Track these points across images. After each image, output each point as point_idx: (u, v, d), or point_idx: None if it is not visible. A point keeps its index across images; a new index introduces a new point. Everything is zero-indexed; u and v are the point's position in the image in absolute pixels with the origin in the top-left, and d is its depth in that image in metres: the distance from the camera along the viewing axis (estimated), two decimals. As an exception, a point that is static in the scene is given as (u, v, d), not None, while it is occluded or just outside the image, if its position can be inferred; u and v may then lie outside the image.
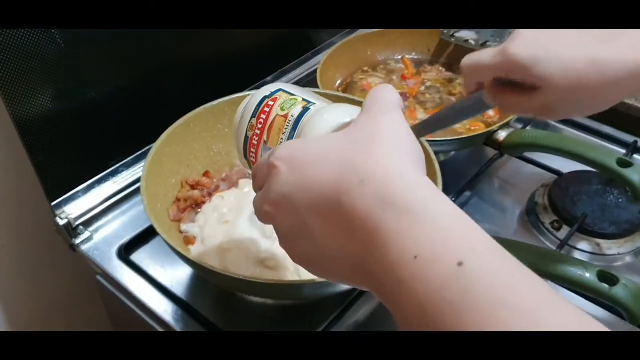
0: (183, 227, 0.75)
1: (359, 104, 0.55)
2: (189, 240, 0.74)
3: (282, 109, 0.51)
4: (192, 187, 0.79)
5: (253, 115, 0.53)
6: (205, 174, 0.81)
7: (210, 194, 0.79)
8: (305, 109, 0.50)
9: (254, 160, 0.54)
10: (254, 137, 0.53)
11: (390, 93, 0.40)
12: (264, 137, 0.52)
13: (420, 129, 0.57)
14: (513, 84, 0.51)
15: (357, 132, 0.37)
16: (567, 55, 0.48)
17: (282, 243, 0.40)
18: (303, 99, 0.52)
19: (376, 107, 0.39)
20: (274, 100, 0.52)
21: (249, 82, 1.00)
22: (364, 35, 1.09)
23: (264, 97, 0.53)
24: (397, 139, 0.36)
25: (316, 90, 0.80)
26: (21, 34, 0.67)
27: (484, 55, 0.52)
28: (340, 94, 0.88)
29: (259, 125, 0.52)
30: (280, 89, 0.54)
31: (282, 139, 0.50)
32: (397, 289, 0.31)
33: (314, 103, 0.51)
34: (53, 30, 0.70)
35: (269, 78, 1.05)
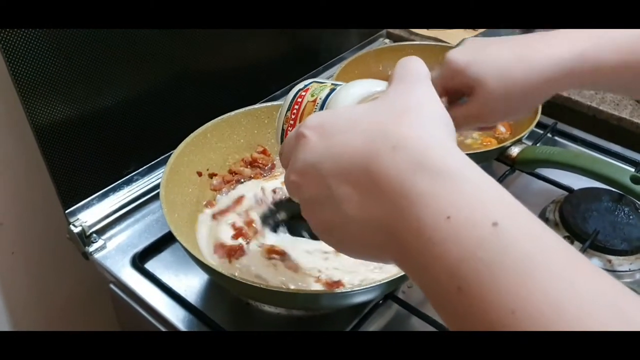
0: (218, 197, 0.80)
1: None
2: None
3: (312, 96, 0.53)
4: (250, 164, 0.83)
5: (288, 109, 0.55)
6: (263, 151, 0.84)
7: (262, 174, 0.82)
8: (332, 90, 0.52)
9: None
10: (289, 128, 0.55)
11: (420, 64, 0.40)
12: (298, 123, 0.54)
13: None
14: (457, 98, 0.56)
15: (389, 102, 0.37)
16: (499, 56, 0.53)
17: (305, 212, 0.39)
18: (332, 84, 0.54)
19: (408, 78, 0.38)
20: (306, 91, 0.54)
21: (261, 95, 1.01)
22: (376, 50, 1.10)
23: (298, 91, 0.55)
24: (431, 110, 0.36)
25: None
26: (41, 42, 0.67)
27: (432, 74, 0.56)
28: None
29: (293, 116, 0.54)
30: (313, 81, 0.56)
31: None
32: (426, 251, 0.31)
33: (342, 84, 0.53)
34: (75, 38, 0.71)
35: (279, 92, 1.06)
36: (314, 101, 0.53)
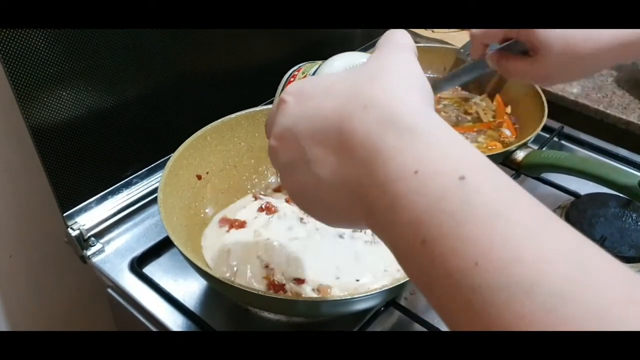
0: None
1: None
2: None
3: (303, 74, 0.52)
4: None
5: (282, 91, 0.55)
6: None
7: None
8: (320, 66, 0.51)
9: None
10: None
11: (404, 36, 0.40)
12: None
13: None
14: (515, 51, 0.58)
15: (365, 67, 0.37)
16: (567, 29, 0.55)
17: (282, 178, 0.40)
18: (323, 61, 0.53)
19: (388, 46, 0.38)
20: (299, 70, 0.53)
21: (264, 97, 1.00)
22: (380, 53, 1.09)
23: (292, 72, 0.55)
24: (406, 74, 0.36)
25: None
26: (39, 44, 0.66)
27: None
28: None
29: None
30: (306, 62, 0.55)
31: None
32: (393, 206, 0.31)
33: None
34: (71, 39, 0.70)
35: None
36: (304, 78, 0.52)
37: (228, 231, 0.76)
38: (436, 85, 0.61)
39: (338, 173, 0.34)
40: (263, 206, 0.77)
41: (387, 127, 0.32)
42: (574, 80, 0.61)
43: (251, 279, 0.68)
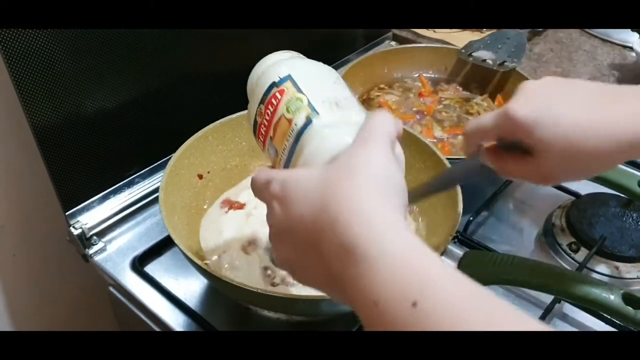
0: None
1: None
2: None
3: (287, 111, 0.51)
4: None
5: (262, 102, 0.54)
6: None
7: None
8: (308, 122, 0.50)
9: (262, 146, 0.57)
10: (262, 126, 0.54)
11: (384, 121, 0.41)
12: (271, 132, 0.53)
13: (419, 195, 0.57)
14: (512, 148, 0.51)
15: (337, 164, 0.39)
16: (568, 119, 0.48)
17: (278, 260, 0.44)
18: (309, 102, 0.51)
19: (362, 135, 0.40)
20: (282, 93, 0.52)
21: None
22: (381, 52, 1.09)
23: (273, 85, 0.53)
24: (370, 173, 0.38)
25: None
26: (42, 44, 0.67)
27: (487, 118, 0.53)
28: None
29: (267, 117, 0.53)
30: (289, 77, 0.53)
31: (285, 146, 0.52)
32: (368, 326, 0.34)
33: (318, 114, 0.50)
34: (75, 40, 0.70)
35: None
36: (289, 121, 0.51)
37: (227, 212, 0.78)
38: (423, 192, 0.57)
39: (324, 282, 0.39)
40: None
41: (347, 255, 0.34)
42: (577, 180, 0.53)
43: (235, 261, 0.72)
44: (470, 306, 0.31)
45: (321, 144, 0.47)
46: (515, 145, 0.51)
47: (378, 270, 0.33)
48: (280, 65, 0.55)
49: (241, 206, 0.79)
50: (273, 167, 0.55)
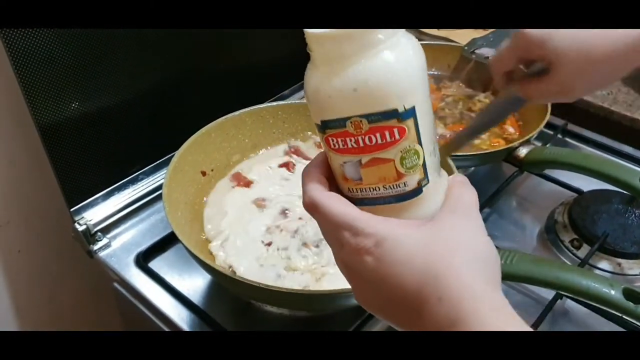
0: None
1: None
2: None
3: (401, 164, 0.41)
4: None
5: (368, 118, 0.40)
6: None
7: None
8: (419, 190, 0.42)
9: (332, 152, 0.42)
10: (351, 140, 0.41)
11: (471, 194, 0.42)
12: (363, 160, 0.41)
13: (465, 136, 0.57)
14: (533, 72, 0.55)
15: (442, 237, 0.39)
16: (578, 31, 0.52)
17: (357, 298, 0.43)
18: (424, 163, 0.42)
19: (460, 209, 0.41)
20: (402, 133, 0.40)
21: (269, 95, 1.01)
22: (385, 50, 1.09)
23: (394, 114, 0.40)
24: (477, 251, 0.39)
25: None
26: (46, 41, 0.68)
27: (503, 45, 0.57)
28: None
29: (368, 142, 0.40)
30: (413, 114, 0.40)
31: (377, 189, 0.42)
32: None
33: (428, 182, 0.42)
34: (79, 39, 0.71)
35: (286, 92, 1.05)
36: (398, 177, 0.41)
37: (234, 187, 0.80)
38: (475, 132, 0.59)
39: (408, 328, 0.40)
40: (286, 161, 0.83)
41: (451, 326, 0.36)
42: (598, 89, 0.55)
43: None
44: None
45: (420, 212, 0.43)
46: (535, 67, 0.55)
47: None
48: (406, 85, 0.40)
49: (248, 183, 0.80)
50: (326, 162, 0.44)
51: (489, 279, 0.38)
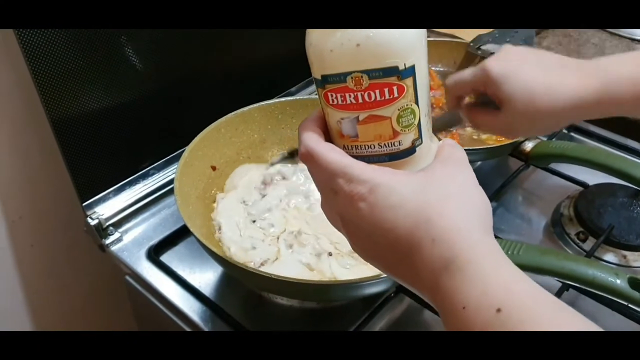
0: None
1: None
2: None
3: (397, 122, 0.42)
4: None
5: (368, 74, 0.40)
6: None
7: None
8: (412, 150, 0.44)
9: (330, 108, 0.43)
10: (350, 96, 0.41)
11: (462, 152, 0.44)
12: (360, 117, 0.42)
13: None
14: (484, 104, 0.60)
15: (435, 185, 0.40)
16: (531, 81, 0.56)
17: (353, 246, 0.44)
18: (419, 123, 0.43)
19: (451, 161, 0.43)
20: (401, 91, 0.41)
21: (277, 91, 1.02)
22: (391, 47, 1.10)
23: (394, 71, 0.40)
24: (471, 199, 0.40)
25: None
26: (60, 39, 0.69)
27: (466, 72, 0.61)
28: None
29: (367, 98, 0.41)
30: (413, 71, 0.41)
31: (372, 147, 0.44)
32: (450, 327, 0.37)
33: (422, 143, 0.44)
34: (91, 36, 0.72)
35: (294, 89, 1.06)
36: (394, 134, 0.42)
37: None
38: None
39: (404, 278, 0.41)
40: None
41: (447, 265, 0.37)
42: (537, 135, 0.61)
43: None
44: (545, 311, 0.34)
45: (413, 168, 0.44)
46: (488, 101, 0.59)
47: (471, 281, 0.36)
48: (408, 43, 0.40)
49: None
50: (322, 117, 0.45)
51: (482, 224, 0.40)
